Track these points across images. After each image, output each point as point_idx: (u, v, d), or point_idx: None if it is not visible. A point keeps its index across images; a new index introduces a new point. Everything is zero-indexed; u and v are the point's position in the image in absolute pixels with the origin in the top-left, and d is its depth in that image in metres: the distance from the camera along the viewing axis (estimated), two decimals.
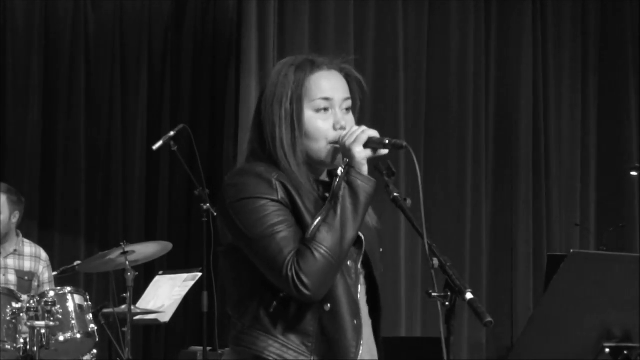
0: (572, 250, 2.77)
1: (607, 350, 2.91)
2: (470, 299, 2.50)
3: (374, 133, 2.67)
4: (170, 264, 7.76)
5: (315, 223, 2.60)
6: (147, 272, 7.56)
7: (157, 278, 7.10)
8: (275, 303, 2.64)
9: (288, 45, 8.18)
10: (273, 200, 2.63)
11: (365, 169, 2.65)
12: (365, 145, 2.65)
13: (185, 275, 6.90)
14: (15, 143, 8.04)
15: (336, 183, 2.66)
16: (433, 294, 2.59)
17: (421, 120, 8.86)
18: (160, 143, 6.53)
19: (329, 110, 2.73)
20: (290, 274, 2.55)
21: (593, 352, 2.91)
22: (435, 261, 2.56)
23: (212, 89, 8.66)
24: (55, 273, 6.82)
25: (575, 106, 9.44)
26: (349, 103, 2.78)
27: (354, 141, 2.65)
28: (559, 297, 2.82)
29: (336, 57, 2.85)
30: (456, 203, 8.92)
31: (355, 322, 2.66)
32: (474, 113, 9.02)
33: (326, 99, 2.73)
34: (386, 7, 8.76)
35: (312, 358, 2.63)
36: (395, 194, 2.66)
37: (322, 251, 2.56)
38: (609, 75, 9.58)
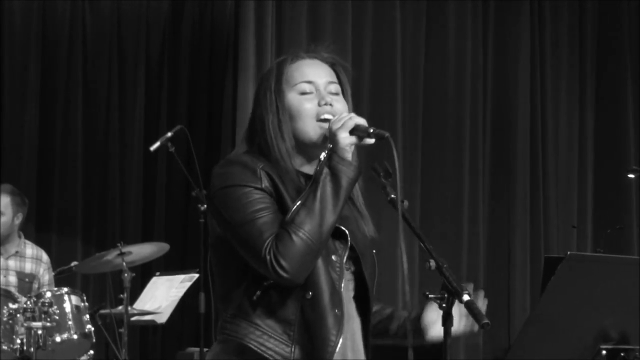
0: (569, 252, 2.77)
1: (604, 352, 2.91)
2: (467, 301, 2.50)
3: (362, 121, 2.66)
4: (167, 265, 7.75)
5: (295, 206, 2.61)
6: (144, 273, 7.55)
7: (154, 279, 7.10)
8: (258, 292, 2.64)
9: (286, 46, 8.17)
10: (257, 188, 2.64)
11: (348, 156, 2.64)
12: (352, 132, 2.64)
13: (182, 277, 6.90)
14: (13, 144, 8.02)
15: (318, 168, 2.66)
16: (430, 296, 2.59)
17: (418, 121, 8.85)
18: (157, 144, 6.52)
19: (313, 93, 2.76)
20: (268, 257, 2.56)
21: (590, 354, 2.91)
22: (432, 263, 2.56)
23: (209, 89, 8.66)
24: (52, 274, 6.82)
25: (573, 108, 9.44)
26: (335, 87, 2.80)
27: (341, 127, 2.65)
28: (556, 298, 2.82)
29: (320, 46, 2.91)
30: (454, 205, 8.91)
31: (336, 311, 2.64)
32: (471, 114, 9.01)
33: (309, 82, 2.77)
34: (384, 8, 8.75)
35: (293, 347, 2.63)
36: (392, 196, 2.66)
37: (301, 234, 2.56)
38: (607, 78, 9.58)
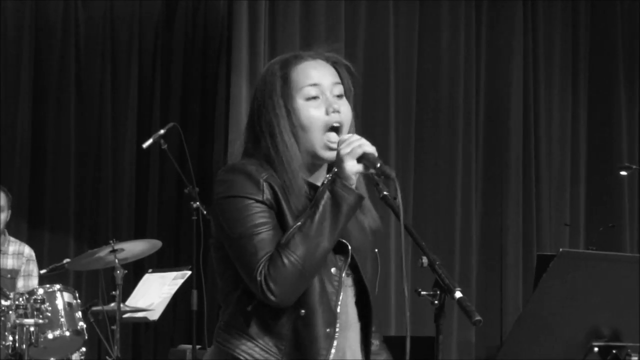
0: (561, 249, 2.77)
1: (596, 349, 2.90)
2: (460, 298, 2.49)
3: (371, 149, 2.62)
4: (160, 262, 7.75)
5: (292, 229, 2.58)
6: (136, 270, 7.56)
7: (146, 276, 7.10)
8: (254, 302, 2.62)
9: (279, 44, 8.18)
10: (258, 201, 2.61)
11: (352, 182, 2.61)
12: (359, 160, 2.60)
13: (174, 274, 6.90)
14: (5, 142, 8.01)
15: (320, 191, 2.63)
16: (422, 293, 2.59)
17: (411, 120, 8.87)
18: (150, 141, 6.51)
19: (319, 98, 2.71)
20: (259, 278, 2.54)
21: (582, 351, 2.91)
22: (425, 260, 2.55)
23: (202, 87, 8.66)
24: (44, 271, 6.81)
25: (565, 106, 9.46)
26: (340, 88, 2.76)
27: (349, 152, 2.60)
28: (548, 296, 2.81)
29: (321, 47, 2.85)
30: (446, 202, 8.93)
31: (328, 330, 2.63)
32: (464, 112, 9.03)
33: (314, 84, 2.71)
34: (377, 7, 8.76)
35: None
36: (385, 193, 2.65)
37: (293, 259, 2.54)
38: (599, 76, 9.60)
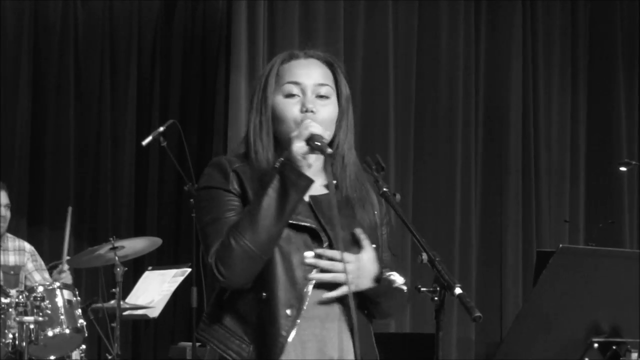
0: (561, 245, 2.77)
1: (596, 345, 2.91)
2: (460, 294, 2.49)
3: (318, 130, 2.64)
4: (160, 260, 7.75)
5: (242, 213, 2.66)
6: (136, 268, 7.56)
7: (146, 273, 7.10)
8: (227, 293, 2.71)
9: (278, 43, 8.17)
10: (226, 190, 2.71)
11: (301, 165, 2.62)
12: (308, 142, 2.63)
13: (174, 271, 6.90)
14: (5, 140, 8.01)
15: (270, 174, 2.67)
16: (422, 289, 2.59)
17: (411, 118, 8.86)
18: (149, 138, 6.51)
19: (298, 96, 2.75)
20: (210, 260, 2.64)
21: (581, 348, 2.91)
22: (425, 256, 2.55)
23: (201, 85, 8.66)
24: (40, 261, 6.83)
25: (565, 104, 9.46)
26: (326, 89, 2.78)
27: (297, 135, 2.64)
28: (548, 292, 2.82)
29: (319, 46, 2.92)
30: (446, 201, 8.92)
31: (288, 311, 2.64)
32: (464, 111, 9.03)
33: (295, 83, 2.76)
34: (376, 7, 8.75)
35: (251, 347, 2.66)
36: (384, 189, 2.65)
37: (240, 241, 2.60)
38: (598, 74, 9.60)
